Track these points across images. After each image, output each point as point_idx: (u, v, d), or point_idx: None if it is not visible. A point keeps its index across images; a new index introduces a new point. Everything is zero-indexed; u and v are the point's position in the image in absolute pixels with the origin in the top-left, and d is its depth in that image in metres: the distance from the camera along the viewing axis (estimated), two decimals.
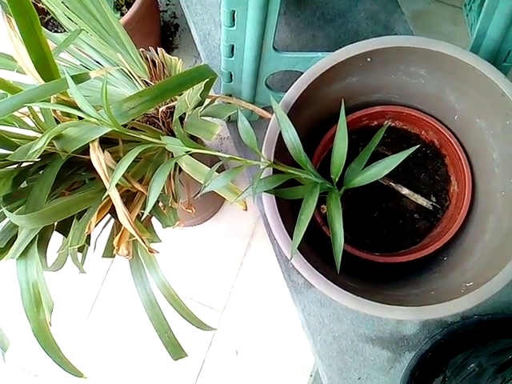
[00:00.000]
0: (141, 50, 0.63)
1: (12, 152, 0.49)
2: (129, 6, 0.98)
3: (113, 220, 0.57)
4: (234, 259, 1.07)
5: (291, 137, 0.41)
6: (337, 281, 0.42)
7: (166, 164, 0.44)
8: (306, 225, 0.39)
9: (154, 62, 0.65)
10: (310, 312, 0.68)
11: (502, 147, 0.46)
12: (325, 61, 0.44)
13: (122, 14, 0.97)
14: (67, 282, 1.02)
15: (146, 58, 0.65)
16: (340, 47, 0.47)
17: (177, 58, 0.63)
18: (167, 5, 1.17)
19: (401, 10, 0.72)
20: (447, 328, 0.62)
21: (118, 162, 0.49)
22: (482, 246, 0.46)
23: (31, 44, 0.46)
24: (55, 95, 0.44)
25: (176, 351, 0.56)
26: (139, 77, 0.64)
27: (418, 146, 0.43)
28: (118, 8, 1.01)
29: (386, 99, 0.51)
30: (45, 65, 0.48)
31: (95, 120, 0.41)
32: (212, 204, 1.05)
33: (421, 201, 0.52)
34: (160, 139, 0.49)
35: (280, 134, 0.42)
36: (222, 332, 1.03)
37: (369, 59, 0.45)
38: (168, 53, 1.16)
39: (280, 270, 0.69)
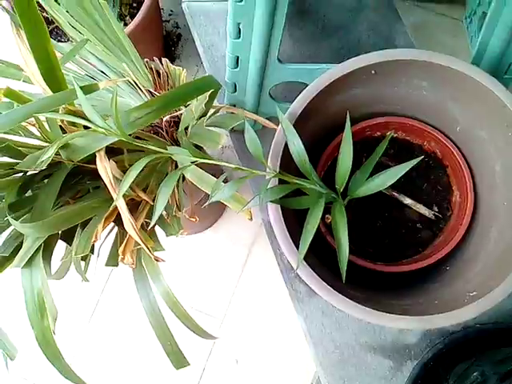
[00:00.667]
0: (146, 60, 0.64)
1: (18, 160, 0.50)
2: (132, 16, 1.00)
3: (116, 228, 0.57)
4: (235, 267, 1.07)
5: (297, 147, 0.41)
6: (342, 290, 0.42)
7: (172, 175, 0.44)
8: (312, 235, 0.40)
9: (158, 72, 0.66)
10: (312, 321, 0.68)
11: (504, 158, 0.46)
12: (330, 72, 0.45)
13: (126, 24, 0.98)
14: (67, 289, 1.02)
15: (151, 68, 0.66)
16: (342, 58, 0.48)
17: (181, 69, 0.64)
18: (170, 15, 1.18)
19: (401, 21, 0.73)
20: (449, 337, 0.62)
21: (122, 171, 0.50)
22: (484, 255, 0.46)
23: (39, 54, 0.47)
24: (63, 105, 0.45)
25: (178, 360, 0.56)
26: (144, 86, 0.64)
27: (421, 158, 0.44)
28: (121, 18, 1.02)
29: (390, 110, 0.52)
30: (52, 75, 0.49)
31: (103, 130, 0.41)
32: (213, 212, 1.06)
33: (423, 210, 0.53)
34: (164, 148, 0.49)
35: (286, 144, 0.43)
36: (222, 340, 1.03)
37: (373, 71, 0.45)
38: (171, 62, 1.17)
39: (282, 279, 0.69)
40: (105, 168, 0.45)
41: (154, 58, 0.66)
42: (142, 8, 0.94)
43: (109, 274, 1.07)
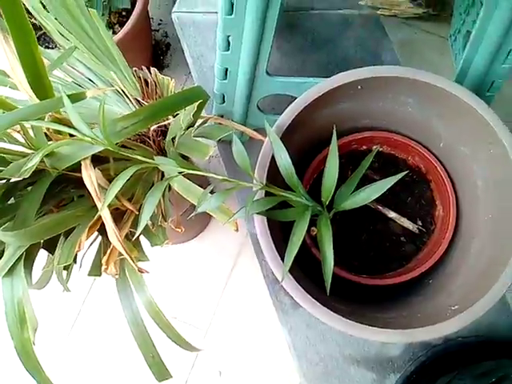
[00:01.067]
0: (134, 69, 0.64)
1: (1, 168, 0.49)
2: (121, 24, 0.99)
3: (100, 238, 0.56)
4: (220, 278, 1.06)
5: (284, 160, 0.42)
6: (326, 303, 0.42)
7: (159, 185, 0.44)
8: (298, 247, 0.40)
9: (146, 81, 0.66)
10: (297, 333, 0.68)
11: (486, 174, 0.47)
12: (319, 86, 0.45)
13: (115, 33, 0.98)
14: (48, 299, 1.00)
15: (139, 77, 0.65)
16: (329, 73, 0.48)
17: (169, 78, 0.64)
18: (159, 24, 1.19)
19: (388, 38, 0.75)
20: (431, 350, 0.62)
21: (108, 180, 0.49)
22: (466, 269, 0.47)
23: (27, 61, 0.47)
24: (50, 113, 0.44)
25: (160, 372, 0.55)
26: (131, 95, 0.64)
27: (405, 172, 0.44)
28: (110, 26, 1.02)
29: (375, 125, 0.53)
30: (39, 82, 0.48)
31: (89, 139, 0.41)
32: (199, 222, 1.05)
33: (407, 224, 0.54)
34: (151, 158, 0.49)
35: (273, 156, 0.43)
36: (205, 352, 1.02)
37: (359, 87, 0.46)
38: (159, 71, 1.17)
39: (267, 291, 0.69)
40: (90, 177, 0.45)
41: (143, 67, 0.66)
42: (132, 17, 0.94)
43: (91, 284, 1.05)
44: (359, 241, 0.54)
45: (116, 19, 1.02)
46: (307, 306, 0.40)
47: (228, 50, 0.51)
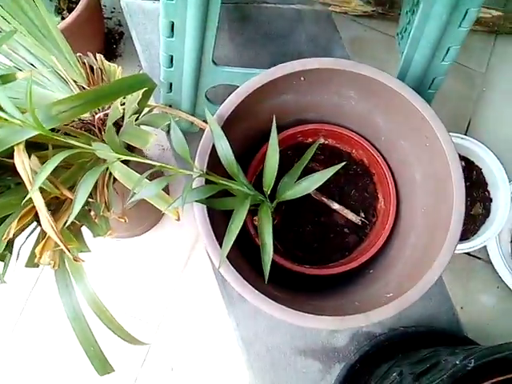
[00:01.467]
0: (78, 54, 0.62)
1: None
2: (70, 10, 0.96)
3: (39, 228, 0.54)
4: (173, 272, 1.05)
5: (224, 148, 0.41)
6: (267, 292, 0.42)
7: (95, 169, 0.43)
8: (236, 234, 0.40)
9: (92, 68, 0.64)
10: (245, 325, 0.68)
11: (423, 168, 0.49)
12: (259, 77, 0.45)
13: (63, 18, 0.95)
14: None
15: (84, 63, 0.63)
16: None
17: (116, 66, 0.62)
18: (112, 12, 1.15)
19: (339, 34, 0.76)
20: (375, 339, 0.64)
21: None
22: (402, 259, 0.48)
23: None
24: None
25: (102, 366, 0.54)
26: (75, 82, 0.62)
27: (343, 164, 0.45)
28: (59, 12, 0.98)
29: (320, 118, 0.54)
30: None
31: (19, 122, 0.39)
32: (150, 215, 1.03)
33: (351, 216, 0.55)
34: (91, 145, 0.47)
35: (214, 145, 0.43)
36: (156, 347, 1.01)
37: (302, 78, 0.46)
38: (111, 60, 1.13)
39: (216, 283, 0.69)
40: (23, 162, 0.43)
41: (88, 53, 0.64)
42: (80, 2, 0.92)
43: (37, 277, 1.01)
44: (304, 232, 0.55)
45: (65, 5, 0.99)
46: (242, 290, 0.40)
47: (172, 36, 0.50)
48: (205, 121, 0.61)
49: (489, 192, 0.91)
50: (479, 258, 0.95)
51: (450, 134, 0.86)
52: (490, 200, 0.91)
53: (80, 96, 0.45)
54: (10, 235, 0.43)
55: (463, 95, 1.00)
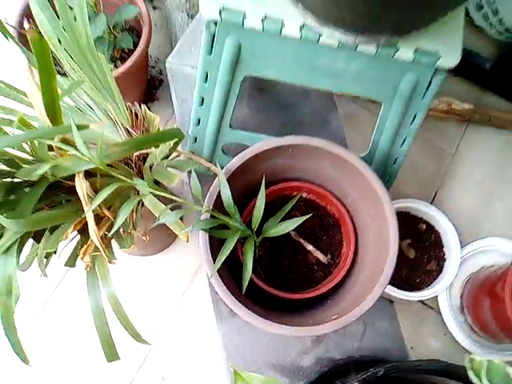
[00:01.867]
0: (127, 103, 0.79)
1: (12, 169, 0.62)
2: (122, 59, 1.12)
3: (78, 237, 0.69)
4: (175, 292, 1.15)
5: (226, 194, 0.58)
6: (246, 304, 0.57)
7: (132, 199, 0.59)
8: (226, 255, 0.55)
9: (136, 115, 0.81)
10: (229, 339, 0.80)
11: (373, 226, 0.64)
12: (261, 144, 0.62)
13: (116, 66, 1.12)
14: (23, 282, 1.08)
15: (131, 110, 0.80)
16: (286, 131, 0.63)
17: (156, 116, 0.79)
18: (156, 62, 1.33)
19: (337, 109, 0.93)
20: (333, 363, 0.77)
21: (94, 190, 0.64)
22: (352, 293, 0.62)
23: (46, 89, 0.60)
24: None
25: (111, 353, 0.65)
26: (122, 124, 0.79)
27: (309, 215, 0.61)
28: (112, 60, 1.15)
29: (305, 177, 0.69)
30: (52, 106, 0.62)
31: (87, 158, 0.56)
32: (165, 238, 1.17)
33: (320, 257, 0.69)
34: (130, 178, 0.64)
35: (220, 191, 0.59)
36: (152, 357, 1.09)
37: (291, 150, 0.63)
38: (149, 103, 1.29)
39: (211, 304, 0.82)
40: (82, 187, 0.59)
41: (135, 102, 0.81)
42: (134, 54, 1.05)
43: (62, 276, 1.14)
44: (283, 264, 0.70)
45: (118, 54, 1.15)
46: (227, 299, 0.54)
47: (202, 105, 0.67)
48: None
49: (444, 252, 1.05)
50: (432, 308, 1.08)
51: (418, 200, 1.04)
52: (444, 259, 1.05)
53: (129, 141, 0.62)
54: (68, 236, 0.59)
55: (434, 169, 1.17)
